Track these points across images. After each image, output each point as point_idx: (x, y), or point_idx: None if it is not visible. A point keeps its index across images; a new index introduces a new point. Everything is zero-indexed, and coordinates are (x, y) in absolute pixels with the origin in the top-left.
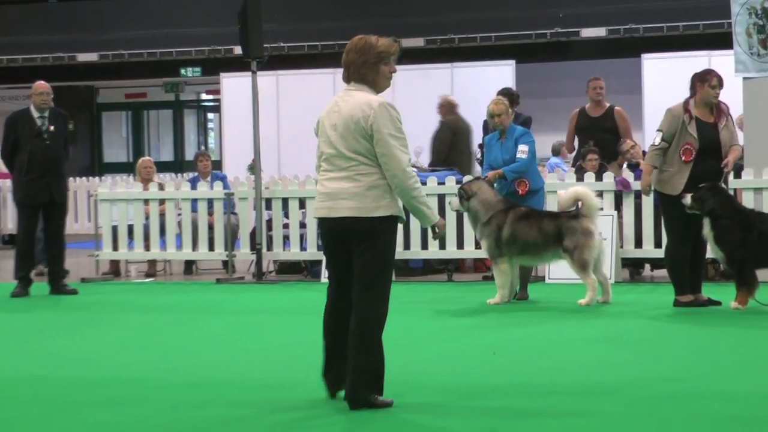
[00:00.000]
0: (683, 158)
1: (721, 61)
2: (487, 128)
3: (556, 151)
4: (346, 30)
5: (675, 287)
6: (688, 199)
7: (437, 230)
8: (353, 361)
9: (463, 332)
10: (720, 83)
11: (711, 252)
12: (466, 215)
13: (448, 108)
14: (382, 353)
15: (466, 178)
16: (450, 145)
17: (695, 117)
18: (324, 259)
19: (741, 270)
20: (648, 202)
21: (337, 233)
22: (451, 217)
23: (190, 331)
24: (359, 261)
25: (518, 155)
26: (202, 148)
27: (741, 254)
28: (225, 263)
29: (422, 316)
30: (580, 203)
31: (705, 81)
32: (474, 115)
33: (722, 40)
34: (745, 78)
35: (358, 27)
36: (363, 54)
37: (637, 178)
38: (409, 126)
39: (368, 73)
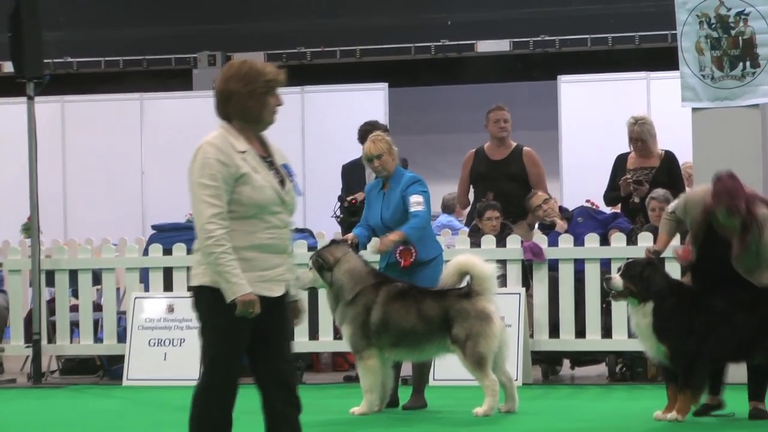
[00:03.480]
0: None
1: (662, 85)
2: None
3: (447, 207)
4: (158, 40)
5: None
6: (616, 281)
7: (237, 308)
8: None
9: None
10: (731, 211)
11: (644, 347)
12: (322, 292)
13: None
14: None
15: (322, 242)
16: None
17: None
18: (126, 355)
19: (690, 367)
20: (567, 276)
21: None
22: (301, 294)
23: None
24: None
25: (412, 208)
26: None
27: (691, 346)
28: None
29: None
30: (467, 278)
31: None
32: (331, 156)
33: (664, 58)
34: (694, 109)
35: (174, 37)
36: (249, 82)
37: (552, 242)
38: None
39: (255, 106)
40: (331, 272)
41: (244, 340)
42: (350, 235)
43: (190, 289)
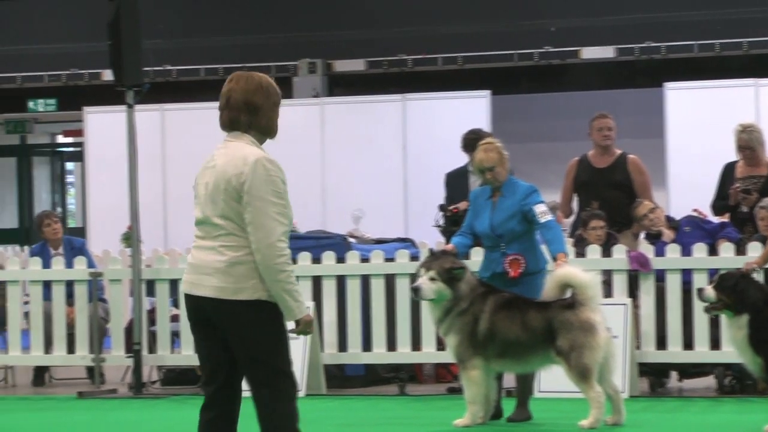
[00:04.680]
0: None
1: None
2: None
3: None
4: (258, 48)
5: None
6: (709, 292)
7: (300, 327)
8: None
9: None
10: None
11: (742, 360)
12: (424, 303)
13: None
14: None
15: (424, 252)
16: None
17: None
18: None
19: None
20: (674, 287)
21: (200, 314)
22: (403, 305)
23: None
24: (237, 355)
25: (542, 219)
26: (59, 210)
27: None
28: (90, 370)
29: None
30: (570, 291)
31: None
32: (434, 164)
33: None
34: None
35: (274, 44)
36: (270, 95)
37: (658, 252)
38: (346, 179)
39: (274, 117)
40: (460, 282)
41: None
42: (449, 246)
43: (238, 303)
